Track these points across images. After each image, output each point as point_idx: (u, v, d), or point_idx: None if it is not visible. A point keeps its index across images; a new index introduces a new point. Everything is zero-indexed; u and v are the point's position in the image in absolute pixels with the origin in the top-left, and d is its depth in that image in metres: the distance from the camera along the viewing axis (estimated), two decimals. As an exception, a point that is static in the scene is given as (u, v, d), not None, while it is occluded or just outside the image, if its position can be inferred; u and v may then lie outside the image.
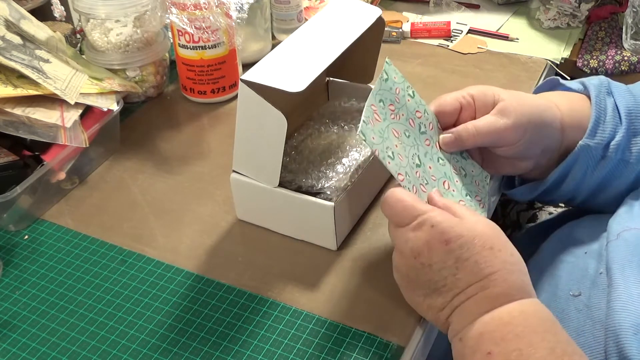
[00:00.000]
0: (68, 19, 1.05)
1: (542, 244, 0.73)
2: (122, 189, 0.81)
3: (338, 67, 0.77)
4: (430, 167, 0.63)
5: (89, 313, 0.65)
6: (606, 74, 1.08)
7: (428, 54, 1.09)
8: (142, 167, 0.85)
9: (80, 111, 0.79)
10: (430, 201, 0.60)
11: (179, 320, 0.64)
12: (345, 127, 0.79)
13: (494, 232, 0.56)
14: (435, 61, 1.07)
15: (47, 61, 0.80)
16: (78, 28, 1.03)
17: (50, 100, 0.77)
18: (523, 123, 0.63)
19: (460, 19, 1.18)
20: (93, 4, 0.88)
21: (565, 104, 0.67)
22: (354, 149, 0.75)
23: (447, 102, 0.66)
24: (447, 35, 1.13)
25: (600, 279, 0.61)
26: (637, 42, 1.00)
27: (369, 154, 0.74)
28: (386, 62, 0.64)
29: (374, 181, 0.77)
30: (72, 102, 0.77)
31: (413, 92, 0.66)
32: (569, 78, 1.06)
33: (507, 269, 0.54)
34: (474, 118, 0.66)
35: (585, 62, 1.10)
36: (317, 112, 0.83)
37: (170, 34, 0.94)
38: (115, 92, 0.84)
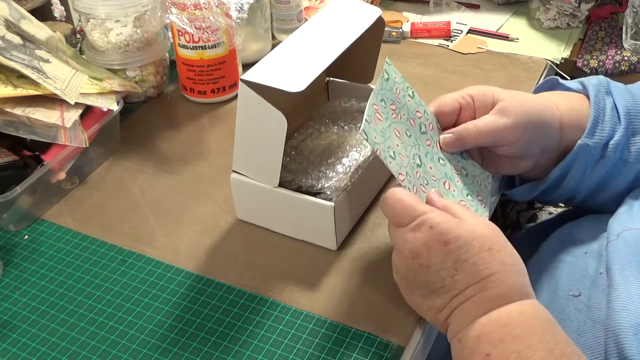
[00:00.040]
0: (68, 19, 1.05)
1: (542, 244, 0.73)
2: (122, 189, 0.81)
3: (338, 67, 0.77)
4: (431, 168, 0.63)
5: (89, 313, 0.65)
6: (606, 74, 1.08)
7: (428, 54, 1.09)
8: (142, 167, 0.85)
9: (80, 111, 0.79)
10: (429, 202, 0.60)
11: (179, 320, 0.64)
12: (345, 127, 0.79)
13: (493, 234, 0.56)
14: (435, 61, 1.07)
15: (47, 61, 0.80)
16: (78, 28, 1.03)
17: (50, 100, 0.77)
18: (523, 122, 0.63)
19: (460, 19, 1.18)
20: (93, 4, 0.88)
21: (564, 103, 0.67)
22: (354, 149, 0.75)
23: (446, 103, 0.66)
24: (447, 35, 1.13)
25: (600, 279, 0.61)
26: (637, 42, 1.00)
27: (369, 154, 0.74)
28: (386, 62, 0.64)
29: (374, 181, 0.77)
30: (72, 102, 0.77)
31: (413, 92, 0.66)
32: (569, 78, 1.06)
33: (506, 271, 0.54)
34: (474, 118, 0.66)
35: (585, 62, 1.10)
36: (317, 112, 0.83)
37: (170, 34, 0.94)
38: (115, 92, 0.84)
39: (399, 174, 0.60)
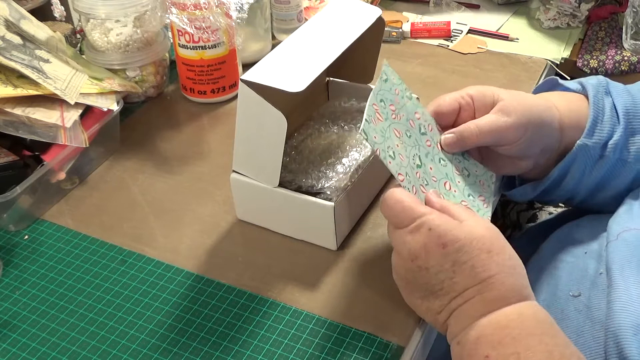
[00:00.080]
0: (68, 19, 1.05)
1: (541, 244, 0.73)
2: (122, 189, 0.81)
3: (338, 67, 0.77)
4: (431, 168, 0.63)
5: (89, 313, 0.65)
6: (606, 74, 1.08)
7: (428, 54, 1.09)
8: (142, 167, 0.85)
9: (80, 111, 0.79)
10: (427, 202, 0.60)
11: (179, 320, 0.64)
12: (345, 127, 0.79)
13: (492, 235, 0.56)
14: (435, 61, 1.07)
15: (47, 61, 0.80)
16: (78, 28, 1.03)
17: (50, 100, 0.77)
18: (523, 122, 0.63)
19: (460, 19, 1.18)
20: (93, 4, 0.88)
21: (564, 104, 0.67)
22: (354, 149, 0.75)
23: (445, 103, 0.66)
24: (447, 35, 1.13)
25: (600, 279, 0.61)
26: (637, 42, 1.00)
27: (369, 154, 0.74)
28: (384, 64, 0.64)
29: (374, 181, 0.77)
30: (72, 102, 0.77)
31: (410, 94, 0.66)
32: (568, 78, 1.06)
33: (505, 273, 0.54)
34: (473, 118, 0.66)
35: (585, 62, 1.10)
36: (317, 112, 0.83)
37: (170, 34, 0.94)
38: (115, 92, 0.84)
39: (399, 174, 0.60)
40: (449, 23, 1.13)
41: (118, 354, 0.61)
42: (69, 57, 0.85)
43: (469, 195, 0.65)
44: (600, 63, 1.09)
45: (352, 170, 0.72)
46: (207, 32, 0.88)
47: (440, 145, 0.66)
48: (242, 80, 0.63)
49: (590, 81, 0.70)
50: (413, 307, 0.60)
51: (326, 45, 0.68)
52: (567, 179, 0.68)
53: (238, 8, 0.88)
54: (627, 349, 0.53)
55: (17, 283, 0.69)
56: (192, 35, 0.89)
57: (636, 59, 1.07)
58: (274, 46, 0.81)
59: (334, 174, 0.72)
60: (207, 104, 0.96)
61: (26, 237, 0.75)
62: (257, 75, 0.63)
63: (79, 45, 1.01)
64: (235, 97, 0.91)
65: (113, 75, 0.88)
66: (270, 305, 0.65)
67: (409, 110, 0.64)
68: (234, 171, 0.71)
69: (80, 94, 0.79)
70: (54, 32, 0.86)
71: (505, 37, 1.12)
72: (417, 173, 0.61)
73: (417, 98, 0.79)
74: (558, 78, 0.73)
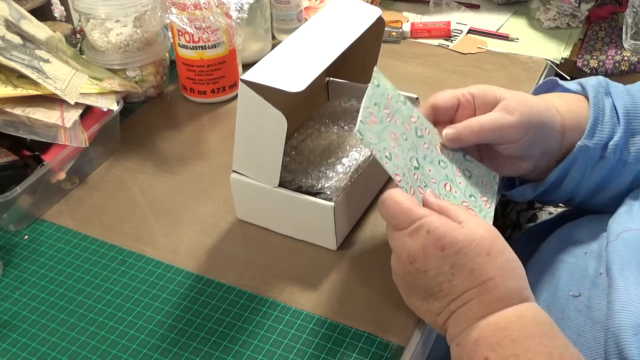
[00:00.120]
0: (68, 19, 1.05)
1: (541, 244, 0.73)
2: (122, 189, 0.81)
3: (338, 67, 0.77)
4: (430, 170, 0.63)
5: (89, 313, 0.65)
6: (606, 74, 1.08)
7: (428, 54, 1.09)
8: (142, 167, 0.85)
9: (80, 111, 0.79)
10: (425, 203, 0.59)
11: (179, 320, 0.64)
12: (345, 127, 0.79)
13: (491, 237, 0.55)
14: (435, 61, 1.07)
15: (47, 61, 0.80)
16: (78, 28, 1.03)
17: (50, 100, 0.77)
18: (524, 123, 0.63)
19: (460, 19, 1.18)
20: (93, 4, 0.88)
21: (564, 106, 0.67)
22: (354, 149, 0.75)
23: (443, 97, 0.65)
24: (447, 35, 1.13)
25: (600, 279, 0.61)
26: (637, 42, 1.00)
27: (369, 154, 0.74)
28: (375, 70, 0.64)
29: (374, 181, 0.77)
30: (72, 102, 0.77)
31: (405, 99, 0.65)
32: (569, 78, 1.06)
33: (504, 275, 0.54)
34: (472, 116, 0.65)
35: (585, 62, 1.10)
36: (317, 112, 0.83)
37: (170, 34, 0.94)
38: (115, 92, 0.84)
39: (396, 174, 0.59)
40: (449, 23, 1.13)
41: (118, 354, 0.61)
42: (69, 57, 0.85)
43: (470, 196, 0.65)
44: (600, 63, 1.09)
45: (352, 170, 0.72)
46: (207, 32, 0.88)
47: (439, 149, 0.66)
48: (242, 80, 0.63)
49: (590, 82, 0.69)
50: (413, 308, 0.60)
51: (326, 45, 0.68)
52: (567, 180, 0.68)
53: (238, 8, 0.88)
54: (627, 349, 0.53)
55: (17, 283, 0.69)
56: (192, 35, 0.89)
57: (636, 59, 1.07)
58: (274, 46, 0.81)
59: (334, 174, 0.72)
60: (207, 104, 0.96)
61: (26, 237, 0.75)
62: (257, 75, 0.63)
63: (79, 45, 1.01)
64: (235, 97, 0.91)
65: (113, 75, 0.88)
66: (270, 305, 0.65)
67: (404, 114, 0.64)
68: (234, 171, 0.71)
69: (80, 94, 0.79)
70: (54, 32, 0.86)
71: (505, 37, 1.12)
72: (414, 175, 0.61)
73: (417, 98, 0.79)
74: (558, 79, 0.73)
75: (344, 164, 0.73)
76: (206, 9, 0.86)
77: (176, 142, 0.89)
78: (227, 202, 0.77)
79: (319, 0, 1.18)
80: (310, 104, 0.83)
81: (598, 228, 0.67)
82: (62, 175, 0.78)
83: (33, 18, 0.86)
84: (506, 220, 0.95)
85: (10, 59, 0.76)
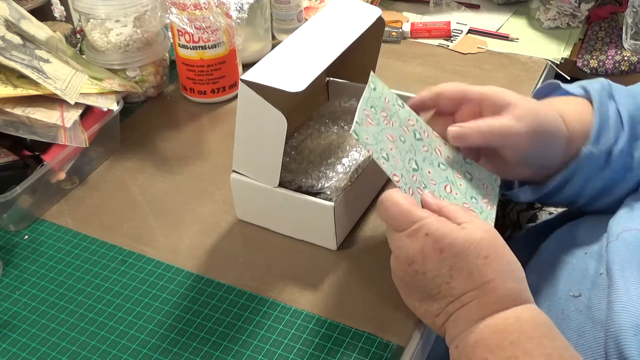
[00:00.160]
0: (68, 19, 1.05)
1: (542, 245, 0.73)
2: (122, 189, 0.81)
3: (338, 67, 0.77)
4: (429, 172, 0.63)
5: (89, 313, 0.65)
6: (606, 74, 1.08)
7: (428, 54, 1.09)
8: (142, 167, 0.85)
9: (80, 111, 0.79)
10: (423, 204, 0.59)
11: (179, 320, 0.64)
12: (345, 127, 0.79)
13: (490, 239, 0.55)
14: (435, 61, 1.07)
15: (47, 61, 0.80)
16: (78, 28, 1.03)
17: (50, 100, 0.77)
18: (531, 133, 0.62)
19: (460, 19, 1.18)
20: (93, 4, 0.88)
21: (573, 115, 0.66)
22: (354, 149, 0.75)
23: (449, 87, 0.65)
24: (447, 35, 1.13)
25: (601, 279, 0.61)
26: (637, 42, 1.00)
27: (368, 154, 0.74)
28: (371, 74, 0.63)
29: (374, 181, 0.77)
30: (72, 102, 0.77)
31: (402, 103, 0.65)
32: (569, 78, 1.06)
33: (503, 278, 0.54)
34: (476, 114, 0.65)
35: (585, 62, 1.10)
36: (317, 112, 0.83)
37: (170, 34, 0.94)
38: (115, 92, 0.84)
39: (394, 175, 0.59)
40: (449, 23, 1.13)
41: (118, 354, 0.61)
42: (69, 57, 0.85)
43: (471, 198, 0.65)
44: (600, 63, 1.09)
45: (352, 170, 0.72)
46: (207, 32, 0.88)
47: (439, 151, 0.65)
48: (242, 80, 0.63)
49: (594, 86, 0.68)
50: (412, 309, 0.59)
51: (326, 45, 0.68)
52: (570, 184, 0.67)
53: (238, 8, 0.88)
54: (627, 349, 0.53)
55: (17, 283, 0.69)
56: (192, 35, 0.89)
57: (636, 59, 1.07)
58: (274, 46, 0.81)
59: (334, 174, 0.72)
60: (207, 104, 0.96)
61: (26, 237, 0.75)
62: (257, 75, 0.63)
63: (79, 45, 1.01)
64: (235, 97, 0.91)
65: (113, 75, 0.88)
66: (270, 305, 0.65)
67: (402, 117, 0.64)
68: (234, 171, 0.71)
69: (80, 94, 0.79)
70: (54, 32, 0.86)
71: (505, 37, 1.12)
72: (413, 176, 0.61)
73: None
74: (559, 82, 0.73)
75: (343, 164, 0.73)
76: (206, 9, 0.86)
77: (176, 142, 0.89)
78: (227, 202, 0.77)
79: (319, 0, 1.18)
80: (310, 104, 0.83)
81: (598, 228, 0.66)
82: (62, 175, 0.78)
83: (33, 18, 0.86)
84: (506, 220, 0.95)
85: (10, 59, 0.76)
